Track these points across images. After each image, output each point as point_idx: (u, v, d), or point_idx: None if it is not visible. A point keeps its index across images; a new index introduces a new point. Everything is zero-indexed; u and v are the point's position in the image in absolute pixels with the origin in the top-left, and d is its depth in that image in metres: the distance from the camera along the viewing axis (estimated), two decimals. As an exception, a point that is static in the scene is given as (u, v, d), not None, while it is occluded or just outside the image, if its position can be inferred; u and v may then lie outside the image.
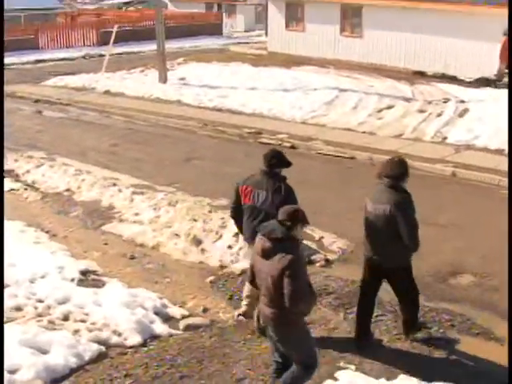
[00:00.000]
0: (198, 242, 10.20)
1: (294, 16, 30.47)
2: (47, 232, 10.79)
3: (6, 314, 7.68)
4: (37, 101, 22.11)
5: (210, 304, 8.48)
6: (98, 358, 7.18)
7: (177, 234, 10.47)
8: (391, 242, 7.04)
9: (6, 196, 11.94)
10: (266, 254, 5.78)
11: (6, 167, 13.47)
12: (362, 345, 7.42)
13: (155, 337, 7.64)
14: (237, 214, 7.77)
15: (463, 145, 15.71)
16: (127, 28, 36.48)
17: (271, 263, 5.73)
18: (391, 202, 6.93)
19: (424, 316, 8.00)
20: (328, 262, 9.61)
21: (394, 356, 7.25)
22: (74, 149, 15.90)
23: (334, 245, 10.17)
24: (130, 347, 7.41)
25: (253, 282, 6.23)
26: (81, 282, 8.86)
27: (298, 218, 5.86)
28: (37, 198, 12.56)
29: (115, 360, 7.19)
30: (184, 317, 8.09)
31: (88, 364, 7.07)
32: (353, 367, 7.00)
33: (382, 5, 26.43)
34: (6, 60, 24.65)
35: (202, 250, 10.02)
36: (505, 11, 22.33)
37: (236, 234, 10.09)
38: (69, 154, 15.37)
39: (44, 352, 7.04)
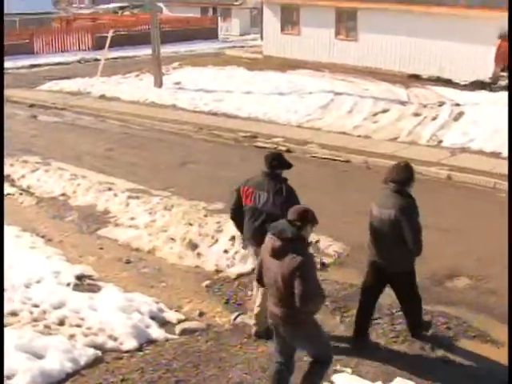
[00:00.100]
0: (193, 246, 10.19)
1: (289, 20, 30.54)
2: (43, 237, 10.77)
3: (2, 319, 7.67)
4: (32, 105, 22.11)
5: (206, 308, 8.47)
6: (94, 362, 7.16)
7: (172, 239, 10.46)
8: (396, 247, 7.09)
9: (2, 201, 11.92)
10: (276, 254, 5.80)
11: (1, 172, 13.46)
12: (358, 345, 7.45)
13: (151, 341, 7.62)
14: (236, 215, 7.78)
15: (458, 148, 15.74)
16: (122, 32, 36.55)
17: (281, 263, 5.75)
18: (396, 206, 6.97)
19: (420, 319, 8.02)
20: (324, 266, 9.59)
21: (390, 359, 7.24)
22: (70, 153, 15.89)
23: (330, 248, 10.16)
24: (126, 352, 7.39)
25: (260, 280, 6.27)
26: (76, 287, 8.83)
27: (308, 218, 5.89)
28: (32, 202, 12.54)
29: (111, 365, 7.17)
30: (180, 321, 8.08)
31: (84, 369, 7.05)
32: (349, 370, 7.00)
33: (376, 8, 26.48)
34: (1, 65, 24.62)
35: (198, 254, 10.01)
36: (500, 14, 22.45)
37: (232, 238, 10.10)
38: (64, 158, 15.36)
39: (40, 357, 7.02)
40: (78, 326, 7.79)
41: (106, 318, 7.87)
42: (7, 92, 22.93)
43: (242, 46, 37.65)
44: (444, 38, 24.47)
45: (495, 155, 15.01)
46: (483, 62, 23.65)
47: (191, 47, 37.04)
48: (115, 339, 7.53)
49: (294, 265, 5.66)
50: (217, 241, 10.27)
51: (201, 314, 8.29)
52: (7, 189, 12.99)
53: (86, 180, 13.50)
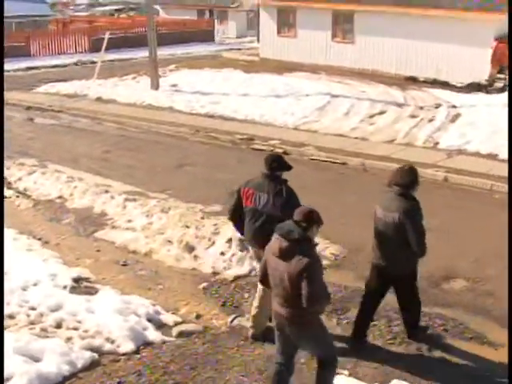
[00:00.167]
0: (190, 248, 10.19)
1: (285, 22, 30.56)
2: (39, 239, 10.76)
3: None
4: (28, 108, 22.08)
5: (202, 310, 8.47)
6: (91, 365, 7.16)
7: (169, 241, 10.45)
8: (400, 249, 7.13)
9: (-2, 203, 11.91)
10: (283, 255, 5.82)
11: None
12: (356, 347, 7.46)
13: (148, 344, 7.62)
14: (235, 215, 7.79)
15: (455, 150, 15.76)
16: (119, 35, 36.46)
17: (288, 264, 5.78)
18: (400, 209, 7.01)
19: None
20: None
21: (387, 360, 7.25)
22: (66, 156, 15.88)
23: (327, 250, 10.15)
24: (123, 354, 7.39)
25: (263, 281, 6.30)
26: (73, 290, 8.82)
27: (314, 219, 5.93)
28: (29, 205, 12.52)
29: (108, 367, 7.16)
30: (177, 323, 8.07)
31: (81, 372, 7.04)
32: (346, 372, 7.00)
33: (373, 11, 26.50)
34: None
35: (195, 257, 10.00)
36: (496, 17, 22.52)
37: (229, 241, 10.11)
38: (61, 160, 15.34)
39: (37, 360, 7.01)
40: (75, 328, 7.78)
41: (102, 320, 7.86)
42: (4, 94, 22.89)
43: (239, 49, 37.64)
44: (441, 40, 24.50)
45: (492, 157, 15.03)
46: (480, 64, 23.68)
47: (188, 50, 37.04)
48: (112, 342, 7.53)
49: (302, 266, 5.71)
50: (214, 243, 10.26)
51: (198, 317, 8.29)
52: (4, 191, 12.97)
53: (82, 182, 13.48)
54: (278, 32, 30.80)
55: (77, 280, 9.11)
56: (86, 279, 9.23)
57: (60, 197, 12.85)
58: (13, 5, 34.93)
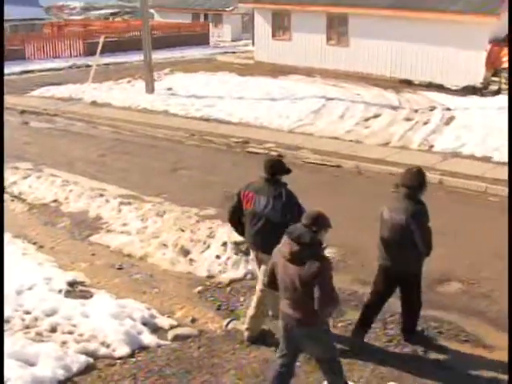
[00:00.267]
0: (185, 252, 10.18)
1: (280, 25, 30.58)
2: (34, 243, 10.74)
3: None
4: (23, 111, 22.04)
5: (198, 314, 8.46)
6: (86, 369, 7.15)
7: (164, 245, 10.44)
8: (406, 250, 7.19)
9: (-7, 207, 11.89)
10: (294, 258, 5.86)
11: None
12: (352, 350, 7.46)
13: (143, 348, 7.61)
14: (233, 217, 7.81)
15: (450, 152, 15.77)
16: (114, 38, 36.46)
17: (299, 267, 5.82)
18: (408, 212, 7.08)
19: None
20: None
21: (383, 363, 7.25)
22: (61, 159, 15.86)
23: (323, 253, 10.13)
24: (119, 358, 7.38)
25: (271, 284, 6.32)
26: (68, 294, 8.80)
27: (323, 223, 5.98)
28: (24, 209, 12.50)
29: (103, 371, 7.15)
30: (172, 327, 8.06)
31: (76, 376, 7.03)
32: (342, 375, 6.99)
33: (368, 14, 26.53)
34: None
35: (190, 260, 9.99)
36: (491, 20, 22.58)
37: (224, 244, 10.10)
38: (56, 164, 15.33)
39: (31, 364, 7.00)
40: (70, 332, 7.76)
41: (98, 324, 7.85)
42: (-2, 98, 22.93)
43: (234, 52, 37.68)
44: (436, 43, 24.53)
45: (486, 159, 15.06)
46: (475, 67, 23.74)
47: (183, 53, 37.00)
48: (107, 346, 7.52)
49: (315, 270, 5.77)
50: (209, 246, 10.25)
51: (193, 320, 8.28)
52: (-1, 195, 12.97)
53: (77, 186, 13.47)
54: (273, 35, 30.82)
55: (72, 284, 9.10)
56: (81, 283, 9.22)
57: (55, 200, 12.83)
58: (8, 8, 34.90)
